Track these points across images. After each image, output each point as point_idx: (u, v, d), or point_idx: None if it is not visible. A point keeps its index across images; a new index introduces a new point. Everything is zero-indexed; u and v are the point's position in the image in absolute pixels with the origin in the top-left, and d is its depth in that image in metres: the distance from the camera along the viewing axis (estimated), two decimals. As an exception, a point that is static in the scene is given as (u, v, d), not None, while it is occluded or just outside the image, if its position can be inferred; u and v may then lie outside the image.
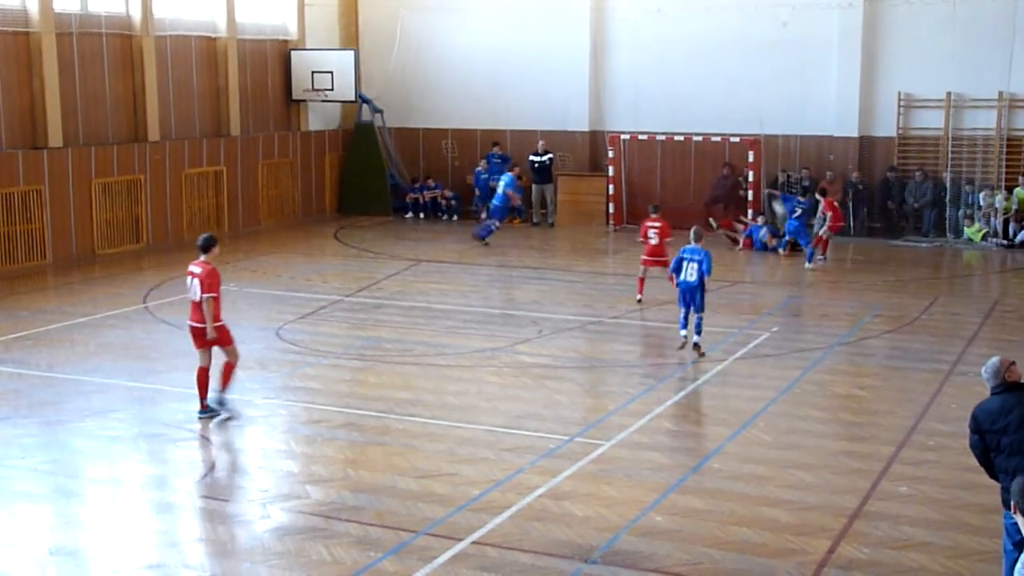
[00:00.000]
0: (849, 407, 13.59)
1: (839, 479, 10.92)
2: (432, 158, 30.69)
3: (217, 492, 10.82)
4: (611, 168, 27.54)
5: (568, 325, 17.66)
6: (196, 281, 12.54)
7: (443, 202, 29.73)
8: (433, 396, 13.71)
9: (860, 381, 14.59)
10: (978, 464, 8.12)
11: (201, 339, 12.66)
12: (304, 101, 29.33)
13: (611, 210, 27.57)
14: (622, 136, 27.63)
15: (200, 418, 12.69)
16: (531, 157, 28.20)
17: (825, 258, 22.98)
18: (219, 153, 26.51)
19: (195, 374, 12.71)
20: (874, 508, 10.19)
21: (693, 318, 15.51)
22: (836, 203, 23.54)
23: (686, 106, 27.63)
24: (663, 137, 27.33)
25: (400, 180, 30.54)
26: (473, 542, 9.39)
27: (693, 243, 15.60)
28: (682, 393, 13.83)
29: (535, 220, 28.44)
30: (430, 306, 18.93)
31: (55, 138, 22.49)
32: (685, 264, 15.45)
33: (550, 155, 28.20)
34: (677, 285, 15.62)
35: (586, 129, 28.86)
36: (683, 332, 15.73)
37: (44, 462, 11.45)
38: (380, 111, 30.16)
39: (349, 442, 12.06)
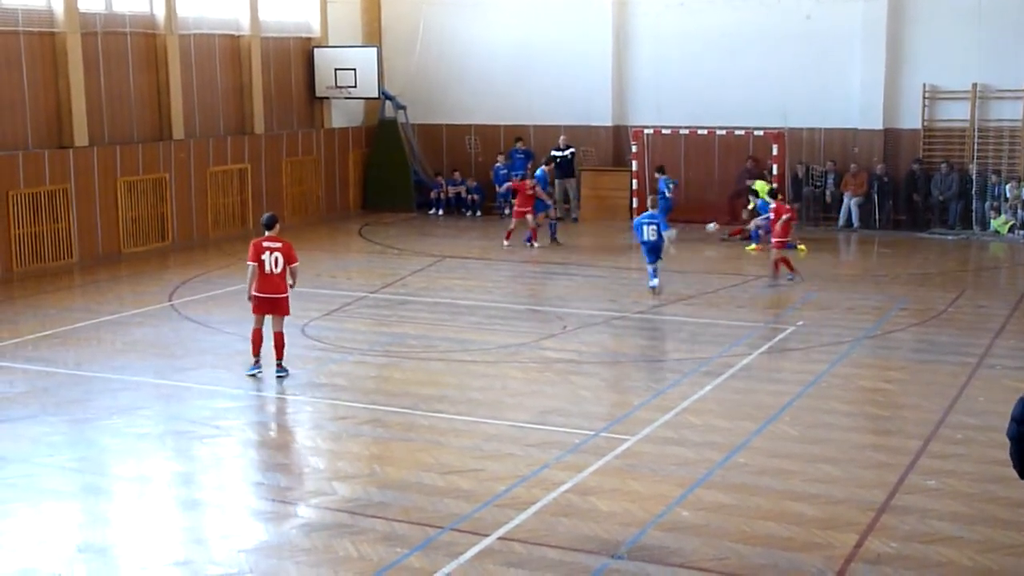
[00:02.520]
0: (876, 400, 13.51)
1: (866, 473, 10.86)
2: (456, 154, 30.68)
3: (244, 489, 10.85)
4: (635, 163, 27.47)
5: (593, 320, 17.63)
6: (278, 255, 14.08)
7: (467, 197, 29.73)
8: (458, 392, 13.71)
9: (887, 374, 14.50)
10: (1009, 455, 7.99)
11: (267, 307, 14.17)
12: (327, 98, 29.38)
13: (635, 205, 27.46)
14: (645, 131, 27.54)
15: (250, 375, 14.30)
16: (553, 152, 28.15)
17: (792, 277, 20.16)
18: (243, 151, 26.59)
19: (253, 335, 14.28)
20: (902, 502, 10.12)
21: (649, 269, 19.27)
22: (789, 209, 20.92)
23: (709, 100, 27.52)
24: (686, 131, 27.23)
25: (424, 176, 30.56)
26: (499, 538, 9.38)
27: (650, 209, 19.53)
28: (707, 388, 13.77)
29: (558, 215, 28.37)
30: (455, 302, 18.94)
31: (81, 137, 22.61)
32: (645, 228, 19.06)
33: (572, 149, 28.13)
34: (641, 243, 19.26)
35: (609, 124, 28.79)
36: (654, 282, 19.21)
37: (72, 459, 11.51)
38: (403, 107, 30.18)
39: (375, 438, 12.08)
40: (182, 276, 21.38)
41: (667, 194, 24.63)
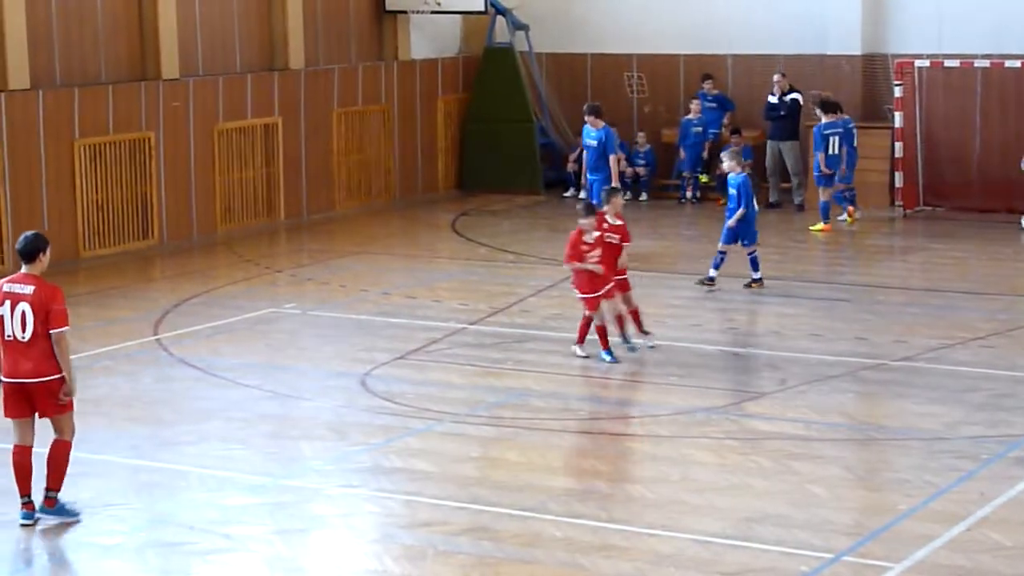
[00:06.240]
0: None
1: None
2: (607, 100, 30.64)
3: (269, 635, 10.97)
4: (899, 116, 27.25)
5: (829, 371, 17.48)
6: (27, 307, 12.37)
7: (626, 170, 29.70)
8: (612, 485, 13.73)
9: None
10: None
11: (20, 402, 12.44)
12: (404, 13, 29.66)
13: (899, 183, 27.23)
14: (917, 63, 27.30)
15: (23, 523, 12.59)
16: (768, 99, 27.98)
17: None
18: (271, 97, 26.95)
19: (11, 458, 12.56)
20: None
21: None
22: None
23: None
24: (986, 63, 26.95)
25: (555, 137, 30.63)
26: None
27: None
28: (1021, 485, 13.53)
29: (772, 199, 28.20)
30: (605, 339, 18.92)
31: (19, 76, 23.03)
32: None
33: (795, 95, 27.95)
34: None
35: (857, 52, 28.65)
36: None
37: (3, 583, 11.72)
38: (525, 27, 30.34)
39: (478, 557, 12.09)
40: (174, 295, 21.70)
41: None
